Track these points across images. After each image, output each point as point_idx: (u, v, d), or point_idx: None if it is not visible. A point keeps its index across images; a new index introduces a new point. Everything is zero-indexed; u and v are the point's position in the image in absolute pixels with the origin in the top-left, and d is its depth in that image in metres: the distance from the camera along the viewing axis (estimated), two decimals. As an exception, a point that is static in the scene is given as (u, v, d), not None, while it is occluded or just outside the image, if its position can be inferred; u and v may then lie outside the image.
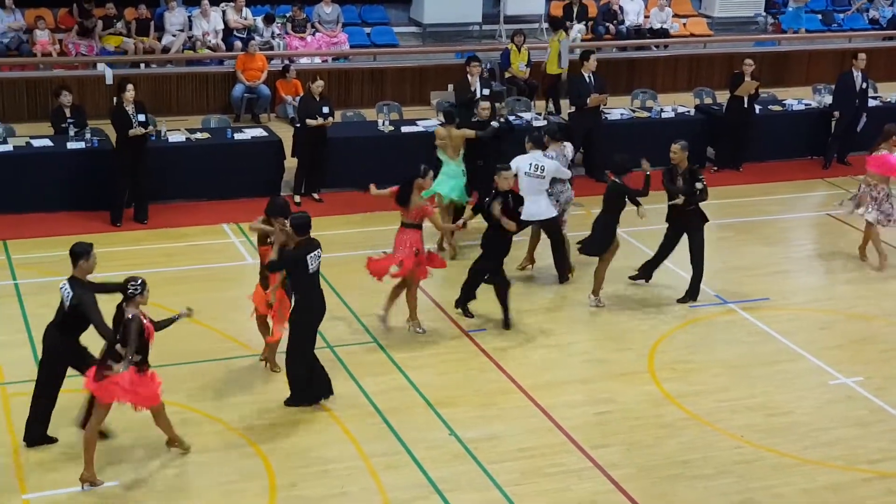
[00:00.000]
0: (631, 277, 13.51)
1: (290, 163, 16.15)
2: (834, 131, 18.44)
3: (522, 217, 12.58)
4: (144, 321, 9.21)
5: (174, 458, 9.68)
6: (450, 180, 14.18)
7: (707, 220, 12.97)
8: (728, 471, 9.83)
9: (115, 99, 14.78)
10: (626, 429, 10.46)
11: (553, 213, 13.34)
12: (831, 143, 18.44)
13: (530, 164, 13.23)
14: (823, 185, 17.69)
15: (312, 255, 10.19)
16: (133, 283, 9.22)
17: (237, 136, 16.42)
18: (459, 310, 12.63)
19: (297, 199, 15.82)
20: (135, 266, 13.53)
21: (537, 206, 13.12)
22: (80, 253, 9.46)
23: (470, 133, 14.32)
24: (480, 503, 9.28)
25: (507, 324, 12.36)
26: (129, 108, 14.43)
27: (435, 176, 13.18)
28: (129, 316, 9.10)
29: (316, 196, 16.03)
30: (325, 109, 15.74)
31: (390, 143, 16.70)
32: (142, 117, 14.53)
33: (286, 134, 16.62)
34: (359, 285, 12.85)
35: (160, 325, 9.50)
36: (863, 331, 12.64)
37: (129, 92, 14.41)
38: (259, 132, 16.78)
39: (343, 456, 9.85)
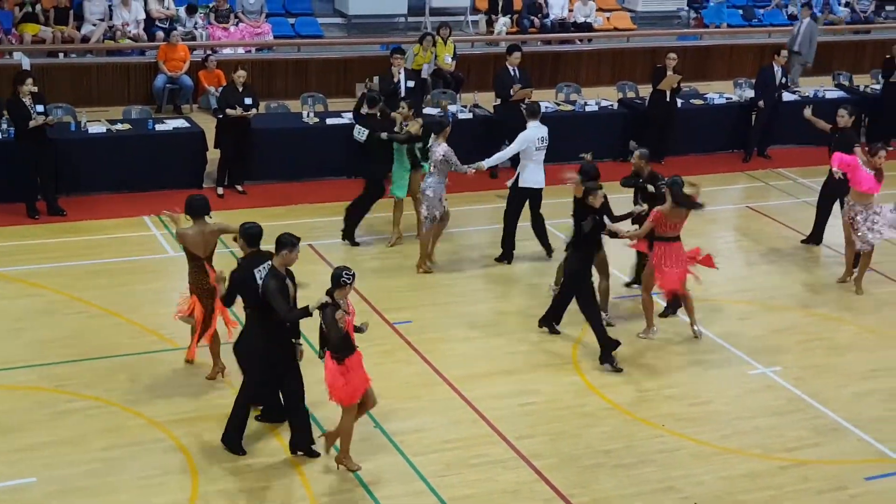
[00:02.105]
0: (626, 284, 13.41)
1: (213, 154, 15.99)
2: (754, 124, 18.73)
3: (530, 186, 13.50)
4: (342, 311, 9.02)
5: (93, 453, 9.54)
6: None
7: None
8: (649, 459, 9.95)
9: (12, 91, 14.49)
10: (549, 419, 10.53)
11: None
12: (752, 136, 18.73)
13: (539, 138, 13.59)
14: (744, 178, 17.95)
15: (259, 268, 9.53)
16: (346, 272, 9.03)
17: (159, 127, 16.19)
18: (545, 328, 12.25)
19: (220, 191, 15.67)
20: (54, 259, 13.34)
21: (541, 175, 13.74)
22: (284, 243, 9.26)
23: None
24: (405, 495, 9.27)
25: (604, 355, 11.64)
26: (27, 101, 14.15)
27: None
28: (329, 311, 8.97)
29: (239, 188, 15.89)
30: (248, 100, 15.60)
31: (315, 134, 16.63)
32: (40, 108, 14.24)
33: (209, 125, 16.44)
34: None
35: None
36: (781, 321, 12.84)
37: (28, 85, 14.14)
38: (181, 123, 16.59)
39: (266, 450, 9.78)
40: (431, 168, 13.47)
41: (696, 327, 12.29)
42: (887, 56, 19.66)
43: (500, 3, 22.67)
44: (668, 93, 17.99)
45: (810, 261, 14.39)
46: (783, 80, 18.55)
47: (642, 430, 10.44)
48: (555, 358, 11.70)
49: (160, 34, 20.15)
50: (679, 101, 18.46)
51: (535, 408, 10.73)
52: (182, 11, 20.86)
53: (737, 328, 12.59)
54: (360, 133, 14.03)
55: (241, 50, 20.96)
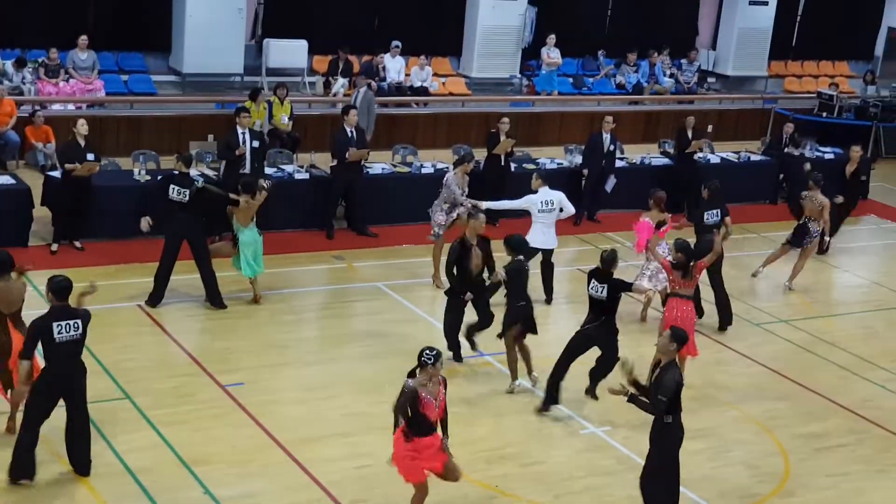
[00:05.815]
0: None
1: (39, 212, 15.54)
2: (584, 189, 19.22)
3: (535, 246, 14.37)
4: (423, 396, 9.09)
5: None
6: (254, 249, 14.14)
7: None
8: (483, 521, 9.99)
9: None
10: (383, 482, 10.43)
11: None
12: (582, 201, 19.19)
13: (543, 201, 14.92)
14: (575, 241, 18.33)
15: (63, 323, 9.59)
16: (428, 351, 9.14)
17: (-17, 183, 15.68)
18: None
19: (55, 247, 15.33)
20: None
21: (546, 237, 15.05)
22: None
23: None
24: (236, 562, 9.08)
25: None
26: None
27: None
28: (407, 387, 9.23)
29: (77, 244, 15.52)
30: (91, 156, 15.31)
31: (146, 192, 16.31)
32: None
33: (36, 182, 15.99)
34: (112, 339, 12.43)
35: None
36: (613, 380, 13.00)
37: None
38: (7, 180, 16.08)
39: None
40: (440, 190, 15.30)
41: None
42: (681, 128, 20.42)
43: (340, 66, 22.81)
44: (502, 157, 18.34)
45: (633, 322, 14.74)
46: (611, 147, 19.12)
47: (476, 491, 10.48)
48: (389, 420, 11.62)
49: (-15, 88, 19.53)
50: (513, 166, 18.81)
51: (370, 471, 10.65)
52: (9, 65, 20.27)
53: (572, 386, 12.74)
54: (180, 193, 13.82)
55: (71, 106, 20.47)
